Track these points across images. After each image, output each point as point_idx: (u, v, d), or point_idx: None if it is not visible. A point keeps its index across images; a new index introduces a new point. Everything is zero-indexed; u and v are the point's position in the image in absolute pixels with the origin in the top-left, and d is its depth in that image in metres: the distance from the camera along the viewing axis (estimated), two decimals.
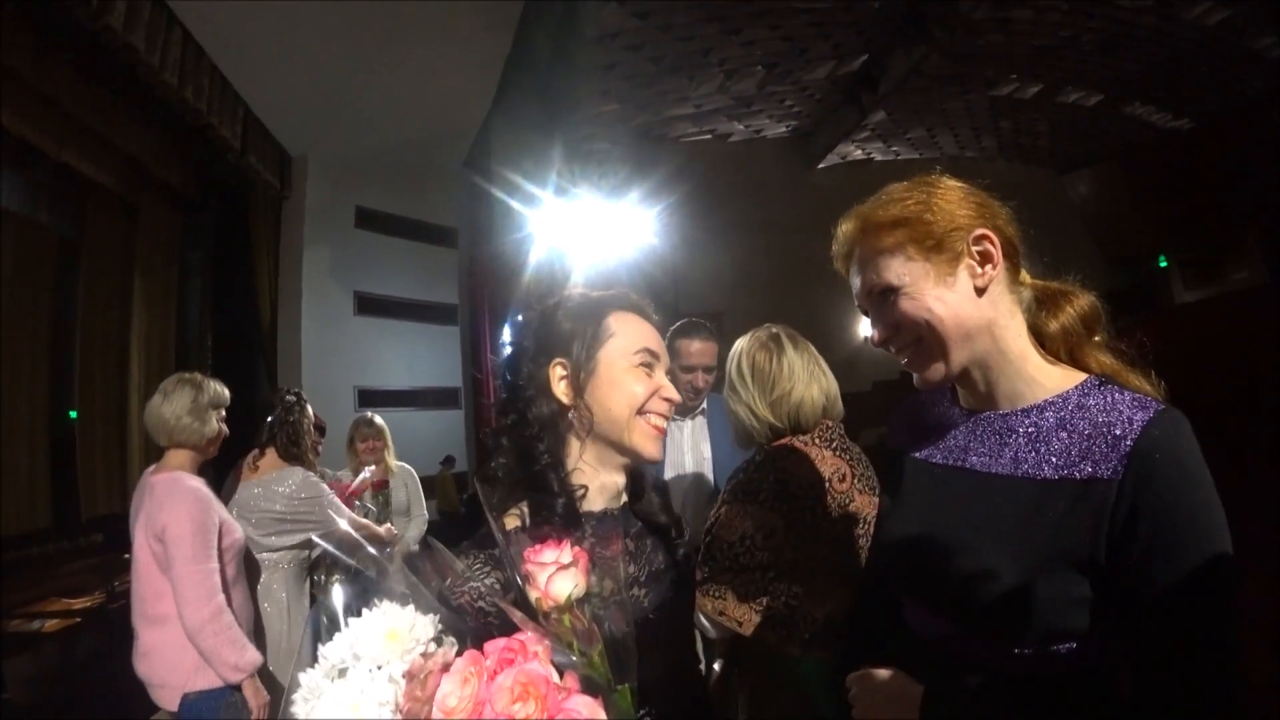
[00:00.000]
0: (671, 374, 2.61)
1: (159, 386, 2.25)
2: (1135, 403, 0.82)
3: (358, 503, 3.16)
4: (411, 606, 0.67)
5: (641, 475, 1.10)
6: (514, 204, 7.29)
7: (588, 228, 8.11)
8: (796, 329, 1.81)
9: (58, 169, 4.49)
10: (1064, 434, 0.85)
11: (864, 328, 8.77)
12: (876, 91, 10.23)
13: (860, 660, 1.05)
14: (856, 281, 0.96)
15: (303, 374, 6.57)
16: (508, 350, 1.05)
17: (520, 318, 1.07)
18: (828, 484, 1.58)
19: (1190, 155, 13.96)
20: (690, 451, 2.53)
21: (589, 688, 0.64)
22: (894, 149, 13.01)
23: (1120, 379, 0.89)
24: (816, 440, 1.64)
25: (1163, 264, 16.77)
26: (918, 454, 1.03)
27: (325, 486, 2.71)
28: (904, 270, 0.90)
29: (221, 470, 2.70)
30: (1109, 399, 0.84)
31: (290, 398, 2.76)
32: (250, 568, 2.43)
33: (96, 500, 4.94)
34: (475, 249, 8.11)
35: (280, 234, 6.82)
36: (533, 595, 0.72)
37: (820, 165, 12.25)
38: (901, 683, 0.95)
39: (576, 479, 0.97)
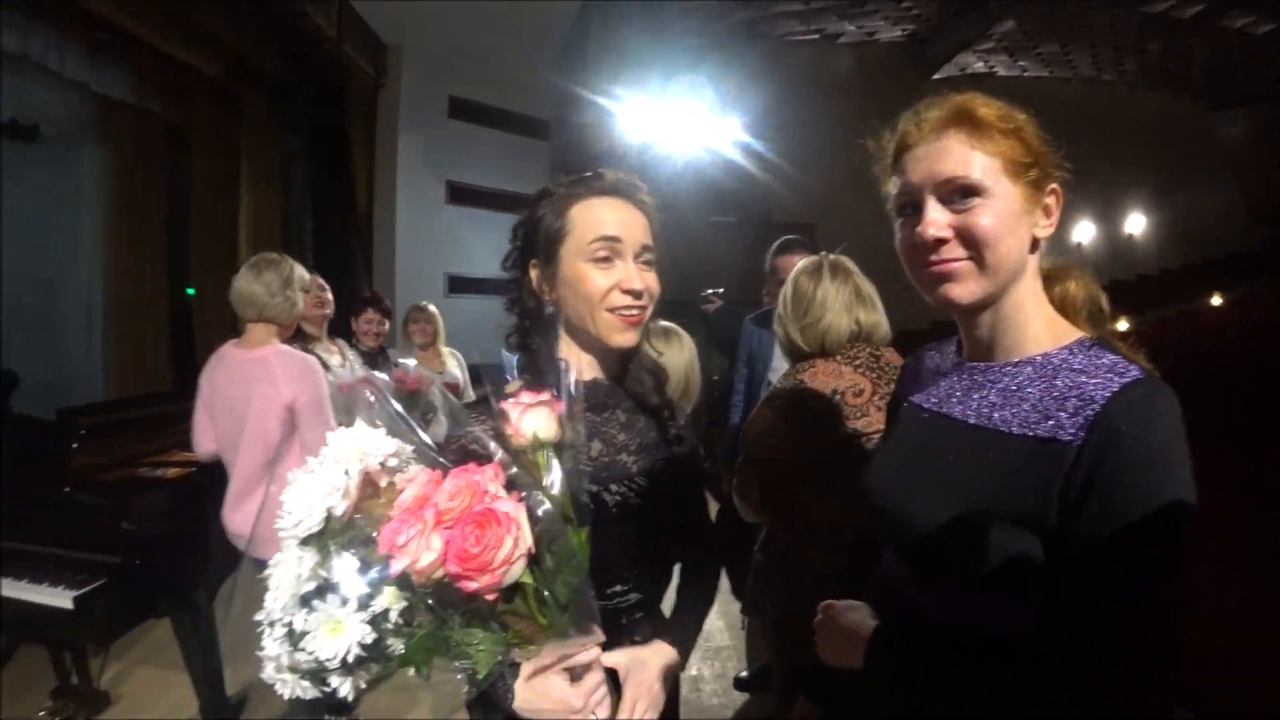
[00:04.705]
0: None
1: (244, 266, 2.33)
2: (1114, 368, 0.76)
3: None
4: (383, 430, 0.79)
5: (632, 356, 1.14)
6: (604, 101, 7.25)
7: (680, 129, 7.96)
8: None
9: (160, 59, 4.70)
10: (1038, 390, 0.81)
11: None
12: None
13: (858, 581, 1.05)
14: (925, 167, 0.84)
15: (396, 260, 6.92)
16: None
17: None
18: (840, 396, 1.66)
19: None
20: None
21: (549, 521, 0.76)
22: (1021, 64, 11.86)
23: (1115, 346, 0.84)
24: (838, 358, 1.73)
25: None
26: (913, 399, 1.01)
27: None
28: (997, 181, 0.81)
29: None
30: (1092, 360, 0.79)
31: None
32: None
33: None
34: (567, 142, 8.10)
35: (376, 123, 6.99)
36: (507, 432, 0.81)
37: (936, 76, 11.24)
38: (859, 618, 0.94)
39: (565, 355, 1.06)
